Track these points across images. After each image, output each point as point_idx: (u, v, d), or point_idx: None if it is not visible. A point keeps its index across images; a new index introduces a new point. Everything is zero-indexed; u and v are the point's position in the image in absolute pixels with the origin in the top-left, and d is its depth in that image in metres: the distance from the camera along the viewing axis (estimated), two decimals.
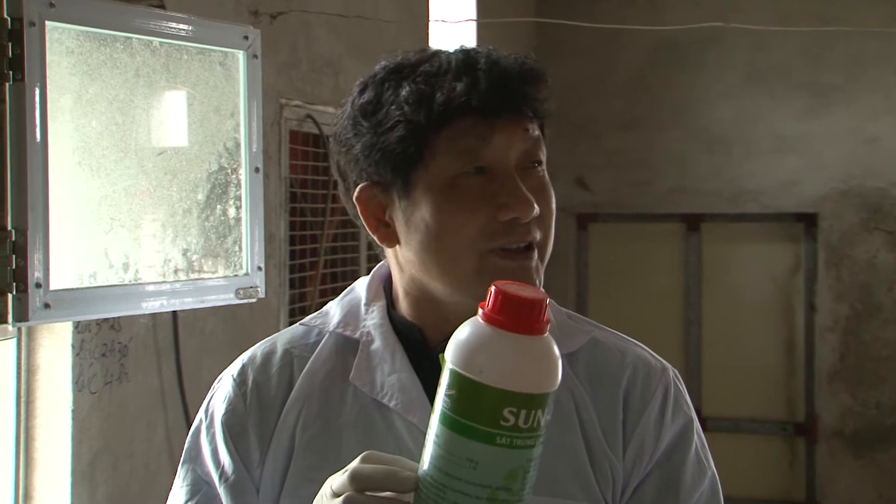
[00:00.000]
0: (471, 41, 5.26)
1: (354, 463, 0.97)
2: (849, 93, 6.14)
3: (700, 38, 5.99)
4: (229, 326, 3.18)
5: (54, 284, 1.85)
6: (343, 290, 1.34)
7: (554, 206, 1.21)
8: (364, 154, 1.18)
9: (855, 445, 6.17)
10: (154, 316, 2.77)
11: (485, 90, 1.13)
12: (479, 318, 0.91)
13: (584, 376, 1.24)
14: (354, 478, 0.95)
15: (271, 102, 3.44)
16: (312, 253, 3.76)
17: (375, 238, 1.23)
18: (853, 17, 5.86)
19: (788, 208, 6.26)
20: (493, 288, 0.90)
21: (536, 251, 1.18)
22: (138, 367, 2.80)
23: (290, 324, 3.31)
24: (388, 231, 1.21)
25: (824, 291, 6.21)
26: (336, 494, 0.96)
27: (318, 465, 1.18)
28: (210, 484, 1.24)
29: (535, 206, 1.15)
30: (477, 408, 0.88)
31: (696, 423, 1.27)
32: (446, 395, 0.90)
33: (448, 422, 0.89)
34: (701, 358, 6.38)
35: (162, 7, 2.61)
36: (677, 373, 1.29)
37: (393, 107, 1.16)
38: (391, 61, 1.21)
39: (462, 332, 0.91)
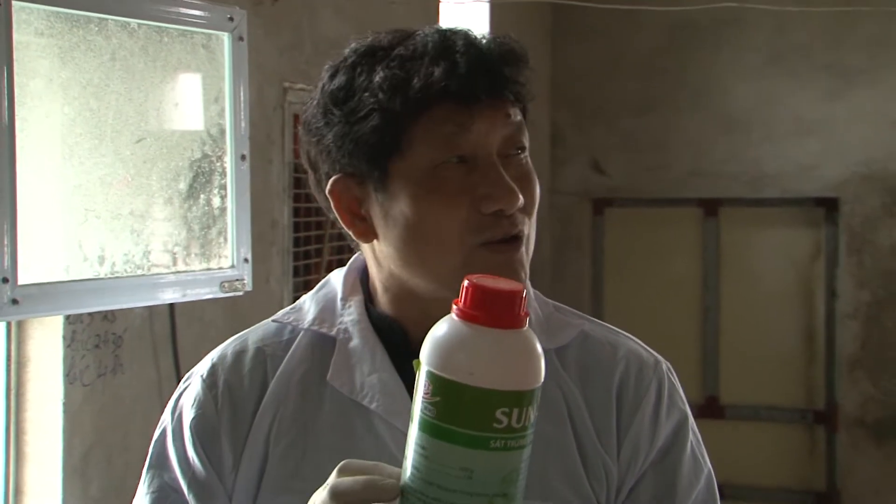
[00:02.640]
0: (483, 21, 5.17)
1: (332, 477, 0.90)
2: (871, 74, 6.01)
3: (719, 19, 5.87)
4: (229, 315, 3.10)
5: (23, 279, 1.76)
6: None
7: (538, 194, 1.14)
8: (336, 144, 1.11)
9: (876, 434, 6.08)
10: (150, 306, 2.71)
11: (463, 74, 1.06)
12: (454, 316, 0.85)
13: (575, 372, 1.18)
14: (334, 494, 0.88)
15: (273, 86, 3.37)
16: (318, 239, 3.69)
17: (351, 233, 1.16)
18: None
19: (809, 193, 6.15)
20: (466, 283, 0.85)
21: (523, 243, 1.11)
22: (134, 358, 2.74)
23: None
24: (364, 225, 1.14)
25: (845, 277, 6.10)
26: None
27: (296, 471, 1.12)
28: (178, 491, 1.16)
29: (520, 195, 1.08)
30: (468, 413, 0.82)
31: (691, 419, 1.21)
32: (429, 403, 0.84)
33: (435, 431, 0.83)
34: (719, 345, 6.31)
35: None
36: (670, 366, 1.23)
37: (366, 94, 1.08)
38: (362, 43, 1.13)
39: (439, 333, 0.86)
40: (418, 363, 0.86)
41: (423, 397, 0.85)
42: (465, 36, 1.10)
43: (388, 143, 1.08)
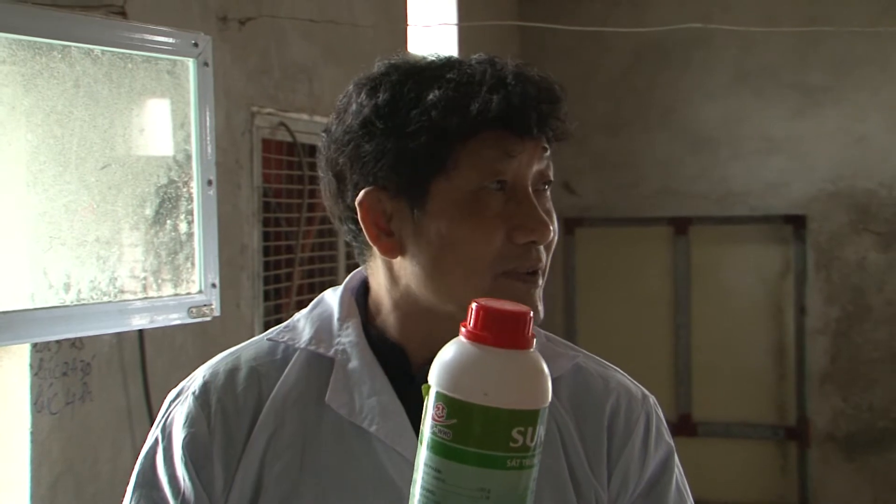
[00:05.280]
0: (451, 45, 5.19)
1: None
2: (836, 92, 6.08)
3: (685, 39, 5.92)
4: (200, 341, 3.09)
5: None
6: None
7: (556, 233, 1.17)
8: (375, 157, 1.11)
9: (847, 449, 6.11)
10: (119, 332, 2.69)
11: (517, 105, 1.10)
12: (463, 339, 0.86)
13: (568, 403, 1.19)
14: None
15: (242, 110, 3.37)
16: (288, 263, 3.68)
17: (376, 247, 1.15)
18: (840, 17, 5.81)
19: (777, 210, 6.20)
20: (474, 305, 0.86)
21: (542, 276, 1.14)
22: (103, 385, 2.71)
23: None
24: (390, 241, 1.14)
25: (814, 293, 6.15)
26: None
27: (293, 492, 1.11)
28: None
29: (552, 229, 1.12)
30: (485, 433, 0.83)
31: (675, 453, 1.24)
32: (444, 425, 0.84)
33: (451, 453, 0.84)
34: (691, 362, 6.33)
35: (123, 15, 2.52)
36: (656, 401, 1.26)
37: (416, 111, 1.09)
38: (398, 62, 1.15)
39: (448, 356, 0.86)
40: (427, 388, 0.86)
41: (434, 420, 0.85)
42: (515, 68, 1.13)
43: (434, 162, 1.09)
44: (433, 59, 1.15)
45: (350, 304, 1.21)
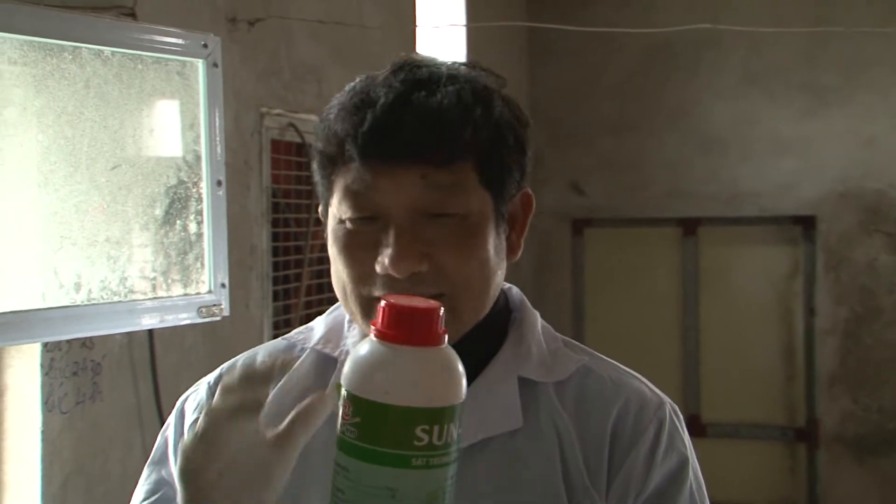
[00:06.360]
0: (460, 46, 5.20)
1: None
2: (846, 94, 6.07)
3: (694, 40, 5.92)
4: (209, 341, 3.10)
5: None
6: (329, 302, 1.29)
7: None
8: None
9: (857, 450, 6.10)
10: (129, 332, 2.70)
11: (365, 133, 1.04)
12: (372, 337, 0.86)
13: (572, 407, 1.16)
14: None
15: (251, 111, 3.38)
16: (297, 264, 3.69)
17: None
18: (849, 18, 5.80)
19: (786, 211, 6.19)
20: (382, 303, 0.86)
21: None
22: (113, 385, 2.73)
23: (274, 337, 3.22)
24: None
25: (824, 294, 6.14)
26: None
27: (286, 485, 1.12)
28: (172, 486, 1.18)
29: (414, 263, 1.05)
30: (387, 432, 0.83)
31: (693, 463, 1.18)
32: (350, 424, 0.85)
33: (357, 452, 0.84)
34: (700, 363, 6.32)
35: (133, 16, 2.54)
36: (676, 408, 1.20)
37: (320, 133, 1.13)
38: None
39: (357, 354, 0.87)
40: (339, 386, 0.87)
41: (342, 419, 0.86)
42: (395, 90, 1.06)
43: (324, 188, 1.12)
44: (362, 78, 1.12)
45: None
